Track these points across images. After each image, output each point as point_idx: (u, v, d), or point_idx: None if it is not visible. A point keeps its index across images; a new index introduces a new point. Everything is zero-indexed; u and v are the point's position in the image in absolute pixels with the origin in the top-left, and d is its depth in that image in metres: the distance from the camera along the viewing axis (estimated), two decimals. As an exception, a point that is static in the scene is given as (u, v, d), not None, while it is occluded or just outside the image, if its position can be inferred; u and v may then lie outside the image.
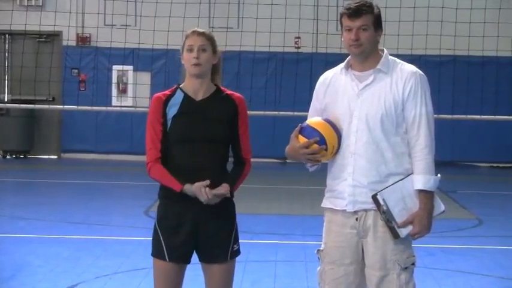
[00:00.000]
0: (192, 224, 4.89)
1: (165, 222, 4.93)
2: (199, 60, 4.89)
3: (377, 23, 4.69)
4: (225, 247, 4.95)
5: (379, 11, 4.72)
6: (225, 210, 4.95)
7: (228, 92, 5.02)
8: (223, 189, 4.82)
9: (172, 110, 4.92)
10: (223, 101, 4.97)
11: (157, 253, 4.96)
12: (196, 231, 4.90)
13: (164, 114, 4.92)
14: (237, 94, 5.03)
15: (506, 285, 8.45)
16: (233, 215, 5.00)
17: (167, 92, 5.00)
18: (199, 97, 4.95)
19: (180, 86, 5.00)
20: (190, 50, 4.91)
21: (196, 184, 4.79)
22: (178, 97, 4.95)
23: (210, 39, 4.96)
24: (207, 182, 4.79)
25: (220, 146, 4.93)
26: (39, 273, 8.33)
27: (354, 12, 4.64)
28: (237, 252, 5.02)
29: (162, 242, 4.92)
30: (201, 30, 4.98)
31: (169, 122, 4.92)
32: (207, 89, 4.98)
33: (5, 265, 8.68)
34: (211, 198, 4.79)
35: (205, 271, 5.01)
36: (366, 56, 4.71)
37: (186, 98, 4.94)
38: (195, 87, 4.96)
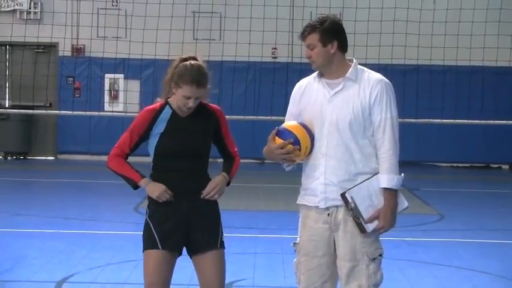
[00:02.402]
0: (182, 215, 4.88)
1: (157, 214, 4.90)
2: (192, 107, 4.85)
3: (325, 39, 4.62)
4: (215, 235, 4.94)
5: (329, 25, 4.62)
6: (211, 206, 4.97)
7: (209, 105, 4.98)
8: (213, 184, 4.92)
9: (159, 127, 4.89)
10: (205, 115, 4.95)
11: (149, 245, 4.89)
12: (187, 221, 4.89)
13: (149, 129, 4.89)
14: (215, 106, 5.02)
15: (464, 274, 8.47)
16: (218, 211, 5.02)
17: (157, 106, 4.93)
18: (185, 114, 4.91)
19: (169, 100, 4.93)
20: (188, 98, 4.80)
21: (162, 189, 4.84)
22: (167, 113, 4.90)
23: (206, 88, 4.85)
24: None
25: (203, 156, 4.97)
26: (35, 265, 8.27)
27: (301, 35, 4.69)
28: (224, 244, 5.00)
29: (154, 231, 4.86)
30: (201, 78, 4.79)
31: (156, 137, 4.89)
32: None
33: (3, 258, 8.61)
34: (214, 194, 4.92)
35: (198, 263, 4.94)
36: (325, 68, 4.69)
37: (174, 115, 4.90)
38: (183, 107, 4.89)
